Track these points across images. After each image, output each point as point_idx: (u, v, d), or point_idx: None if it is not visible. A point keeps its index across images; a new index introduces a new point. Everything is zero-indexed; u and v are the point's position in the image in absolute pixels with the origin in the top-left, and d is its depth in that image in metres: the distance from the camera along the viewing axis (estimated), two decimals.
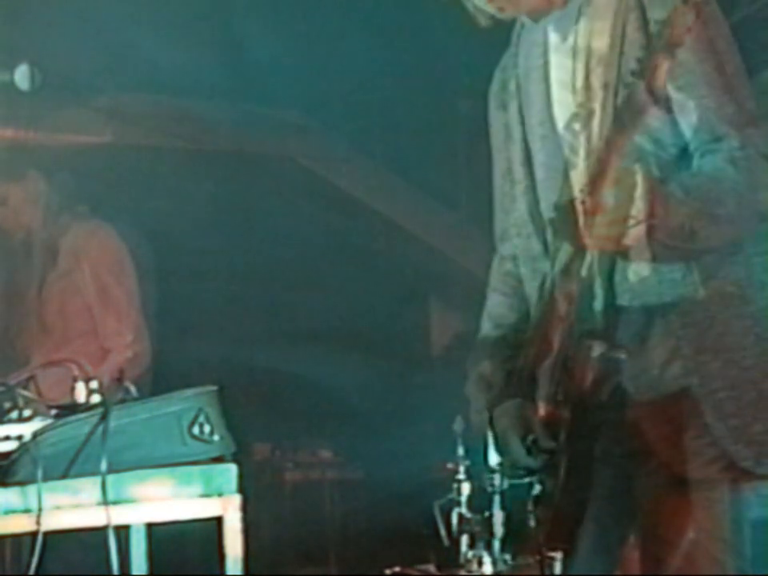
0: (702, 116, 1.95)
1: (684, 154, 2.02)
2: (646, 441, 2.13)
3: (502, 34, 2.37)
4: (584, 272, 2.03)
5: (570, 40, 2.14)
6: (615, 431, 2.15)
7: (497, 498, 3.79)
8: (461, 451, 3.96)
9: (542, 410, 2.17)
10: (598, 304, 2.06)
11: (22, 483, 1.91)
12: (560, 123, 2.13)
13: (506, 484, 3.73)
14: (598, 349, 2.08)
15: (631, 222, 1.94)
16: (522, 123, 2.28)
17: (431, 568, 4.39)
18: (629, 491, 2.19)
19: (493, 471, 3.77)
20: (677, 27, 1.85)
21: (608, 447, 2.17)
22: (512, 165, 2.31)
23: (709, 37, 2.02)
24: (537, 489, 2.19)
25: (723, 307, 2.04)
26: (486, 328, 2.46)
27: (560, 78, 2.15)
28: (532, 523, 2.18)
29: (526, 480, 2.20)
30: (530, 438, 2.17)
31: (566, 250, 2.08)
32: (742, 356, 2.04)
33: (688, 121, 1.95)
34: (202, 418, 2.05)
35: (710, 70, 2.02)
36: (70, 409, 2.08)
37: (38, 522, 1.89)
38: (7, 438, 1.98)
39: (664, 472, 2.11)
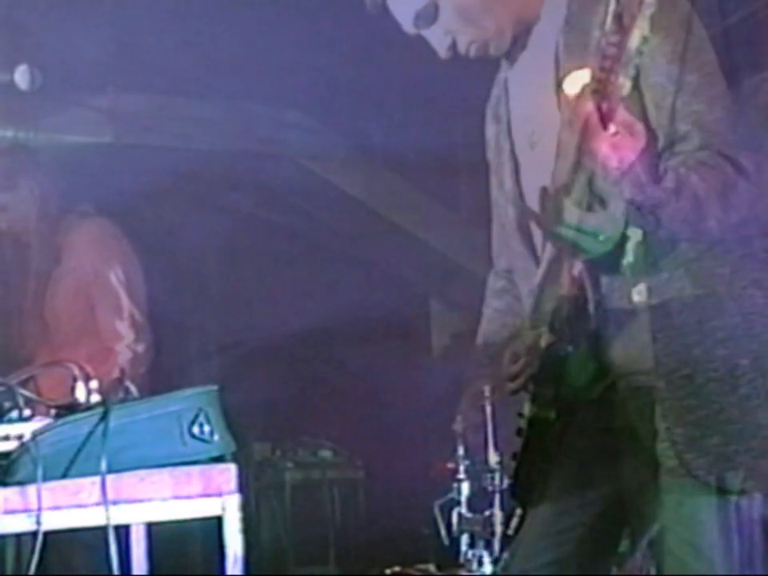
0: (667, 115, 1.95)
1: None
2: (617, 439, 2.15)
3: None
4: (575, 271, 2.03)
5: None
6: (591, 425, 2.18)
7: (497, 498, 3.81)
8: (461, 451, 3.99)
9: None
10: (591, 302, 2.06)
11: (21, 483, 1.91)
12: None
13: (505, 484, 3.75)
14: (545, 339, 2.10)
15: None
16: (510, 135, 2.33)
17: (431, 568, 4.40)
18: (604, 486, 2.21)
19: (493, 471, 3.80)
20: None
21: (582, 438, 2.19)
22: (503, 177, 2.35)
23: (679, 36, 2.02)
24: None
25: (699, 318, 2.03)
26: (480, 342, 2.51)
27: None
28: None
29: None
30: None
31: (551, 248, 2.09)
32: (711, 367, 2.02)
33: (657, 121, 1.96)
34: (202, 418, 2.05)
35: (678, 71, 2.02)
36: (70, 409, 2.08)
37: (38, 522, 1.89)
38: (7, 437, 1.98)
39: (633, 472, 2.13)
